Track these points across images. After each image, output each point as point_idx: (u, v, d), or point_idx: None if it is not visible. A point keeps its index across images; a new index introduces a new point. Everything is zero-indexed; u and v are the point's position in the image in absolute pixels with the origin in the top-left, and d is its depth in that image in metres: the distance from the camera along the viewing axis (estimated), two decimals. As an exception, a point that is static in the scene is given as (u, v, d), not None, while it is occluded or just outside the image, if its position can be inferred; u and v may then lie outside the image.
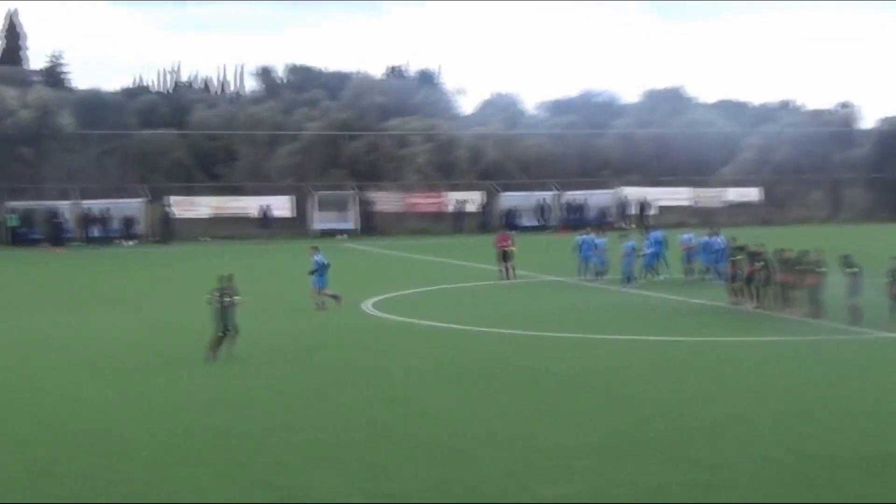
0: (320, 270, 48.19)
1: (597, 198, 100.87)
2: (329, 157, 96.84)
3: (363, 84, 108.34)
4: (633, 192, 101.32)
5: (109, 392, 32.79)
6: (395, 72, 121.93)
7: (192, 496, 21.53)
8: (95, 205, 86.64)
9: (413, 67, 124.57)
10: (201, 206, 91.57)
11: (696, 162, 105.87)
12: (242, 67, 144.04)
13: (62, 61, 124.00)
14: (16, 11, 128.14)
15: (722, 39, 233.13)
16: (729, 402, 29.47)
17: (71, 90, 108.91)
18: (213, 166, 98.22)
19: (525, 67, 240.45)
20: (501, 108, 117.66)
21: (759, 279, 45.89)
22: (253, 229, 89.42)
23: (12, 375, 35.60)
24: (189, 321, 45.80)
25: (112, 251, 78.73)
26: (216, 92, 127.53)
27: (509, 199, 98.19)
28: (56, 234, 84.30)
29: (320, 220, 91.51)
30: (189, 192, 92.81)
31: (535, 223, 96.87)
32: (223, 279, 37.94)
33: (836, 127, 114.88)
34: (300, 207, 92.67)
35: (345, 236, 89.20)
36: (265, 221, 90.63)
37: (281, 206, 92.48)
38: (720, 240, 54.34)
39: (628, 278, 56.03)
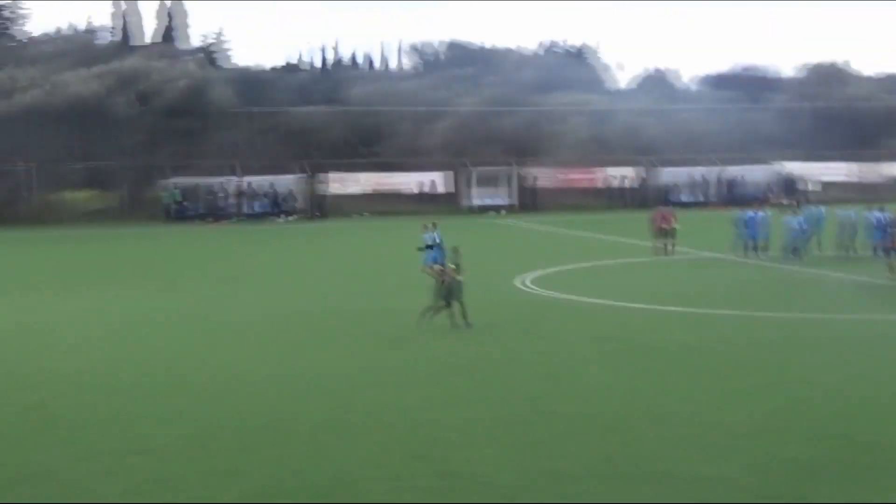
0: (431, 248, 48.13)
1: (755, 173, 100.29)
2: (485, 133, 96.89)
3: (519, 60, 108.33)
4: (792, 168, 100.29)
5: (270, 367, 33.18)
6: (550, 47, 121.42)
7: (351, 469, 21.73)
8: (254, 181, 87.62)
9: (569, 42, 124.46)
10: (357, 183, 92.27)
11: (858, 137, 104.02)
12: (399, 44, 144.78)
13: (222, 38, 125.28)
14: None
15: (884, 11, 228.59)
16: (891, 382, 28.83)
17: (230, 68, 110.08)
18: (369, 143, 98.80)
19: (680, 42, 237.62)
20: (657, 82, 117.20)
21: None
22: (408, 205, 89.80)
23: (176, 350, 36.24)
24: (348, 298, 46.35)
25: (269, 227, 79.50)
26: (372, 68, 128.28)
27: (668, 175, 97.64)
28: (215, 210, 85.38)
29: (476, 196, 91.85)
30: (346, 168, 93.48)
31: (693, 199, 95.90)
32: (452, 252, 39.06)
33: None
34: (456, 183, 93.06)
35: (502, 212, 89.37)
36: (422, 197, 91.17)
37: (437, 182, 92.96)
38: (886, 216, 52.67)
39: (791, 254, 55.49)
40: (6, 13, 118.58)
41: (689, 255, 59.74)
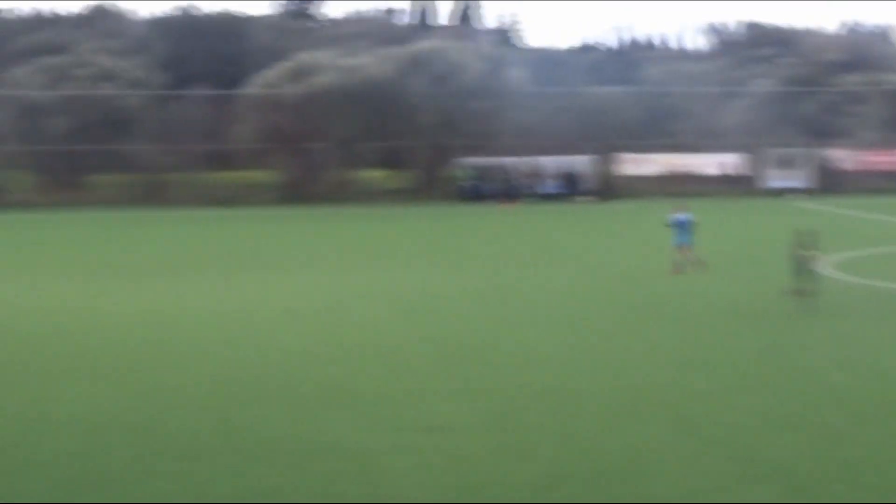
0: (677, 228, 48.52)
1: None
2: (781, 114, 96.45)
3: (818, 40, 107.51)
4: None
5: (562, 347, 33.85)
6: (853, 27, 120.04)
7: (642, 451, 22.33)
8: (547, 161, 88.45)
9: (869, 22, 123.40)
10: (651, 164, 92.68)
11: None
12: (695, 26, 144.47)
13: (517, 20, 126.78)
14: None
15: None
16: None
17: (524, 49, 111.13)
18: (662, 124, 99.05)
19: None
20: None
21: None
22: (704, 186, 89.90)
23: (470, 327, 37.10)
24: (645, 279, 46.84)
25: (562, 207, 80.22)
26: (667, 49, 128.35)
27: None
28: (510, 190, 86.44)
29: (773, 178, 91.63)
30: (639, 149, 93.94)
31: None
32: (804, 235, 39.76)
33: None
34: (752, 165, 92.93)
35: (802, 195, 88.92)
36: (718, 179, 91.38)
37: (732, 163, 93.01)
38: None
39: None
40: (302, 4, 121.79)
41: None
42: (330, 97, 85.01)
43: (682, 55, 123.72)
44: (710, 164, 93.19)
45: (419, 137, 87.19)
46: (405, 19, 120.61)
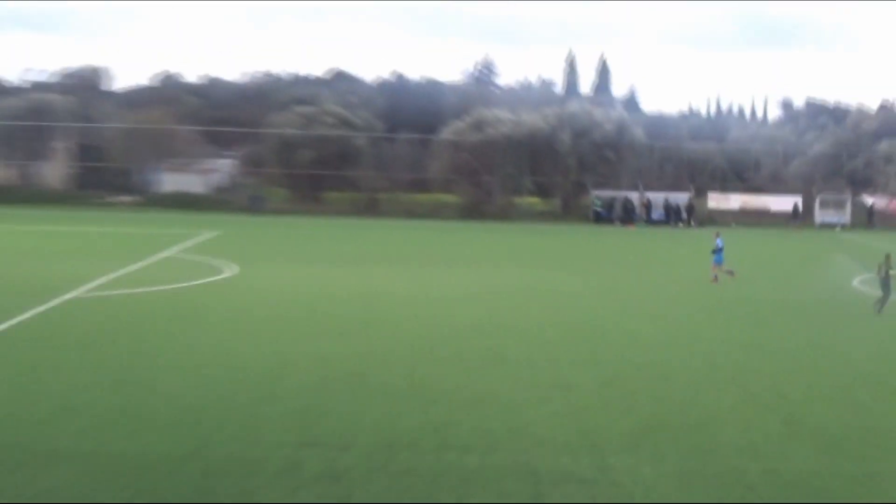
0: (719, 252, 48.76)
1: None
2: (830, 168, 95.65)
3: (858, 115, 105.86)
4: None
5: (655, 331, 34.89)
6: (884, 104, 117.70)
7: (714, 412, 23.49)
8: (656, 196, 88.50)
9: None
10: (732, 201, 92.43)
11: None
12: (767, 98, 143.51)
13: (636, 91, 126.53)
14: (604, 55, 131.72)
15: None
16: None
17: (642, 112, 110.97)
18: (741, 171, 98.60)
19: None
20: None
21: None
22: (770, 220, 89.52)
23: (592, 315, 38.11)
24: (718, 284, 47.18)
25: (665, 230, 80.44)
26: (743, 117, 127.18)
27: None
28: (628, 216, 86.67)
29: (822, 216, 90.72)
30: (723, 189, 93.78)
31: None
32: (888, 256, 39.65)
33: None
34: (807, 205, 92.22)
35: (843, 228, 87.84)
36: (783, 214, 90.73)
37: (793, 203, 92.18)
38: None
39: None
40: (488, 69, 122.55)
41: None
42: (500, 143, 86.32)
43: (759, 121, 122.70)
44: (776, 202, 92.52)
45: (563, 174, 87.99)
46: (557, 88, 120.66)
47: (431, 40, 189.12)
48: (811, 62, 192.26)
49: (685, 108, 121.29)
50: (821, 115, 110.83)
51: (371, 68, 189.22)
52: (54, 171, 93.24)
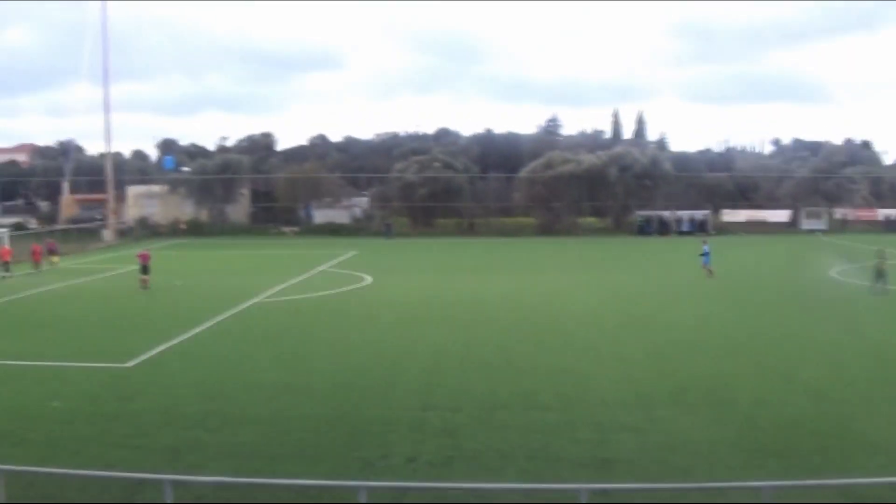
0: (706, 255, 47.89)
1: None
2: (812, 188, 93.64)
3: (831, 148, 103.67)
4: None
5: (690, 317, 34.36)
6: (849, 140, 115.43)
7: (735, 377, 23.16)
8: (683, 213, 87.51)
9: (858, 137, 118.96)
10: (740, 215, 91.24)
11: None
12: (763, 138, 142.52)
13: (665, 135, 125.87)
14: (640, 111, 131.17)
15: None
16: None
17: (670, 151, 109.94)
18: (746, 193, 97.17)
19: None
20: None
21: None
22: (768, 228, 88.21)
23: (642, 306, 37.59)
24: (733, 277, 46.44)
25: (691, 238, 79.35)
26: (748, 151, 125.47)
27: None
28: (662, 229, 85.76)
29: (807, 224, 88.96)
30: (732, 206, 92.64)
31: None
32: (881, 252, 41.07)
33: None
34: (795, 216, 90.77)
35: (822, 233, 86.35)
36: (778, 224, 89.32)
37: (785, 215, 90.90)
38: None
39: None
40: (554, 123, 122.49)
41: None
42: (565, 178, 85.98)
43: (758, 154, 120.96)
44: (772, 215, 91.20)
45: (613, 199, 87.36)
46: (606, 135, 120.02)
47: (512, 104, 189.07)
48: (795, 111, 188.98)
49: (703, 147, 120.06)
50: (803, 150, 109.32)
51: (468, 126, 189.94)
52: (238, 210, 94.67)
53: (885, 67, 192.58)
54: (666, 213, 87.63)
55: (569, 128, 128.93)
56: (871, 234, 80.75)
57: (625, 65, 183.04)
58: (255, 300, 39.90)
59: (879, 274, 39.80)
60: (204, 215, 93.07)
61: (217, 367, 25.72)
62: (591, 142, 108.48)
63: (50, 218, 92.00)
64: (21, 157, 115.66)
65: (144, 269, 45.42)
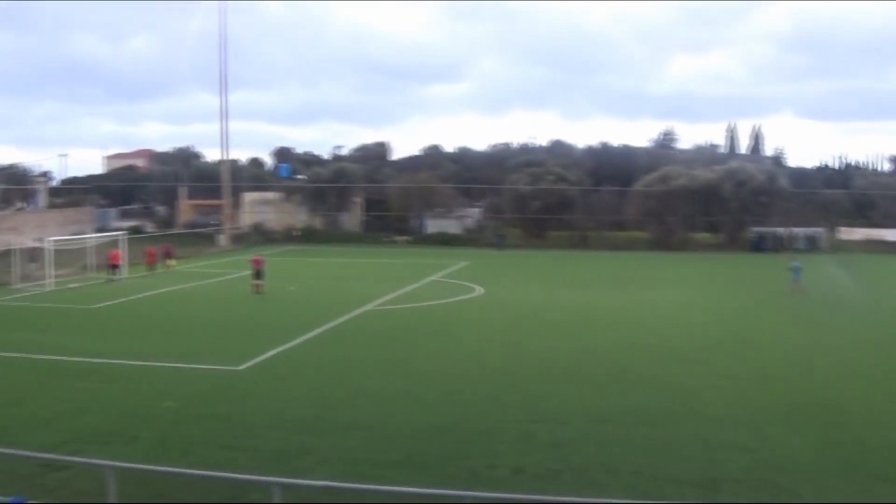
0: (795, 271, 46.72)
1: None
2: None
3: None
4: None
5: (801, 335, 33.59)
6: None
7: (845, 397, 22.70)
8: (798, 230, 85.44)
9: None
10: (856, 234, 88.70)
11: None
12: (879, 154, 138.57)
13: (782, 149, 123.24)
14: (757, 126, 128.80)
15: None
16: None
17: (786, 167, 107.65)
18: (864, 210, 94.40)
19: None
20: None
21: None
22: (886, 247, 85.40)
23: (748, 324, 36.90)
24: (838, 291, 45.32)
25: (807, 255, 77.41)
26: (866, 168, 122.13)
27: None
28: (777, 245, 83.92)
29: None
30: (848, 225, 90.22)
31: None
32: None
33: None
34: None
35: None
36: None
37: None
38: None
39: None
40: (669, 137, 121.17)
41: None
42: (680, 192, 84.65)
43: (874, 171, 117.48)
44: (891, 234, 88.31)
45: (727, 214, 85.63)
46: (721, 150, 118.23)
47: (628, 119, 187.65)
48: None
49: (819, 163, 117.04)
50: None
51: (582, 138, 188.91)
52: (351, 218, 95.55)
53: None
54: (781, 230, 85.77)
55: (684, 142, 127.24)
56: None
57: (741, 79, 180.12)
58: (366, 307, 40.26)
59: None
60: (317, 222, 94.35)
61: (327, 372, 26.02)
62: (707, 156, 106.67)
63: (167, 222, 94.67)
64: (140, 163, 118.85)
65: (257, 274, 46.32)
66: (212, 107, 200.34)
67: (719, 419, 20.43)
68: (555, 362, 27.26)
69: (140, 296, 44.77)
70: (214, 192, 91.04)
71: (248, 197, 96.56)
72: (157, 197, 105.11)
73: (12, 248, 54.25)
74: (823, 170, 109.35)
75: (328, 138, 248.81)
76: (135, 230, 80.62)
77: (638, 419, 20.40)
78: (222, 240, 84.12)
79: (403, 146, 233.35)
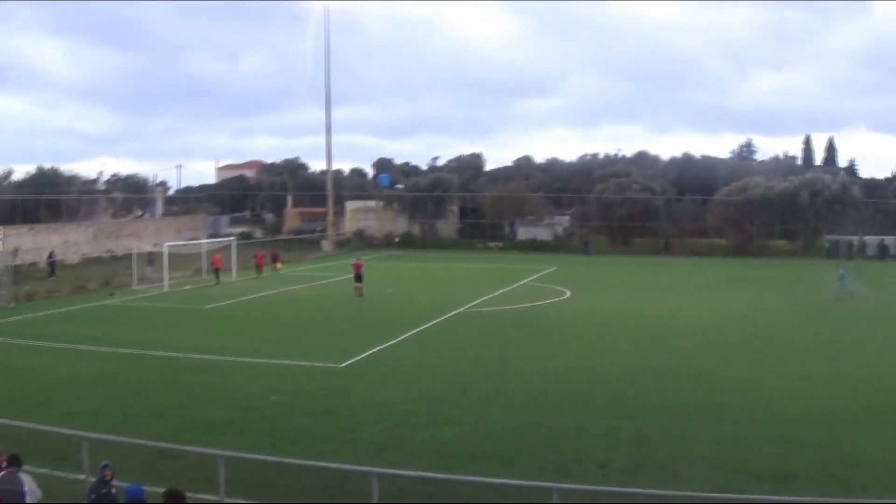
0: (842, 278, 45.21)
1: None
2: None
3: None
4: None
5: (875, 337, 32.54)
6: None
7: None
8: (870, 238, 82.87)
9: None
10: None
11: None
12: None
13: (855, 162, 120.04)
14: (831, 138, 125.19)
15: None
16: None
17: (859, 177, 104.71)
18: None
19: None
20: None
21: None
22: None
23: (824, 327, 35.87)
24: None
25: (877, 263, 75.10)
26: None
27: None
28: (850, 252, 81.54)
29: None
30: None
31: None
32: None
33: None
34: None
35: None
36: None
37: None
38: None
39: None
40: (749, 149, 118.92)
41: None
42: (758, 201, 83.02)
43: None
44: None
45: (803, 223, 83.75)
46: (798, 161, 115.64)
47: (710, 132, 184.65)
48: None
49: (890, 174, 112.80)
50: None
51: (666, 150, 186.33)
52: (447, 225, 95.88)
53: None
54: (854, 238, 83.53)
55: (762, 154, 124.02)
56: None
57: (817, 95, 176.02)
58: (461, 309, 40.28)
59: None
60: (415, 229, 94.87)
61: (424, 369, 26.10)
62: (784, 167, 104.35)
63: (274, 229, 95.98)
64: (249, 173, 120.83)
65: (358, 277, 46.67)
66: (318, 121, 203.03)
67: (796, 418, 20.01)
68: (641, 363, 26.93)
69: (249, 297, 45.48)
70: (319, 201, 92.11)
71: (351, 205, 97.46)
72: (265, 205, 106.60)
73: (132, 252, 55.70)
74: (894, 180, 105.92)
75: (426, 150, 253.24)
76: (244, 236, 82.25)
77: (719, 417, 20.07)
78: (326, 245, 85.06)
79: (497, 157, 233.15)
